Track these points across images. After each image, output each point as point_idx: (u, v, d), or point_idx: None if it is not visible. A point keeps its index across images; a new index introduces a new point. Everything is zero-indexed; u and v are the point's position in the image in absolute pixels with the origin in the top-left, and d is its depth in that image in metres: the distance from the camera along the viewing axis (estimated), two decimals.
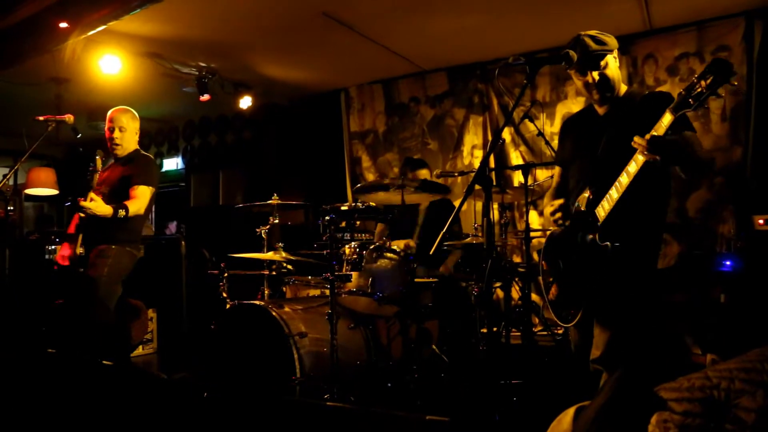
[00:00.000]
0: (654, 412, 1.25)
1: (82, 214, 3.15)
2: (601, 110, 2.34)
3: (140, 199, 3.35)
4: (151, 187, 3.43)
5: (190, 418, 1.64)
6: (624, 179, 2.05)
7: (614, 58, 2.27)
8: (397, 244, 3.65)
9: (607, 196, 2.10)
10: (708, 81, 1.79)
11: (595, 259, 2.14)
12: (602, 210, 2.12)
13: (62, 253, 3.46)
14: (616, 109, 2.28)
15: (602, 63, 2.22)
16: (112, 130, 3.53)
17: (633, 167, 2.01)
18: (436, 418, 1.16)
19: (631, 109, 2.21)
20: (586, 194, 2.20)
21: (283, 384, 2.74)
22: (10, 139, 6.47)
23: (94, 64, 4.90)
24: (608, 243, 2.09)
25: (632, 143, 1.95)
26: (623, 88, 2.33)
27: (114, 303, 3.40)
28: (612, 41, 2.24)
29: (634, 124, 2.04)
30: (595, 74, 2.21)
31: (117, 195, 3.31)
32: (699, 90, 1.82)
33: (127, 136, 3.54)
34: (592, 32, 2.25)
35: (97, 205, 3.12)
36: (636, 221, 2.12)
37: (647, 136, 1.92)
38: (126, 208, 3.24)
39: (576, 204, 2.26)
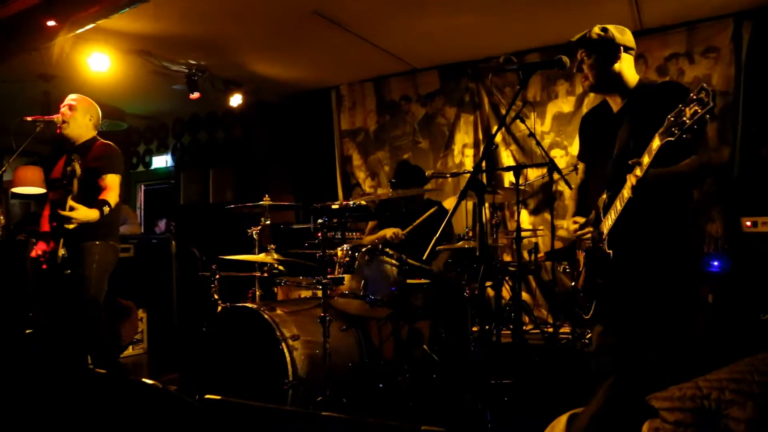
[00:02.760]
0: (645, 420, 1.27)
1: (70, 226, 3.08)
2: (615, 105, 2.28)
3: (113, 189, 3.30)
4: (118, 175, 3.38)
5: (181, 424, 1.64)
6: (618, 205, 2.05)
7: (620, 50, 2.19)
8: (385, 232, 3.66)
9: (611, 209, 2.11)
10: (692, 109, 1.72)
11: (601, 263, 2.16)
12: (609, 220, 2.12)
13: (38, 251, 3.40)
14: (628, 105, 2.22)
15: (579, 52, 2.20)
16: (63, 109, 3.48)
17: (626, 194, 2.01)
18: (432, 429, 1.17)
19: (643, 105, 2.12)
20: (604, 196, 2.20)
21: (275, 387, 2.74)
22: None
23: (83, 61, 4.85)
24: (610, 251, 2.10)
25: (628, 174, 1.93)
26: (634, 80, 2.23)
27: (102, 299, 3.37)
28: (620, 36, 2.19)
29: (646, 122, 1.96)
30: (584, 65, 2.21)
31: (86, 188, 3.23)
32: (683, 119, 1.74)
33: (78, 117, 3.44)
34: (606, 25, 2.22)
35: (80, 212, 3.07)
36: (642, 232, 2.09)
37: (633, 178, 1.91)
38: (108, 204, 3.21)
39: (596, 205, 2.25)
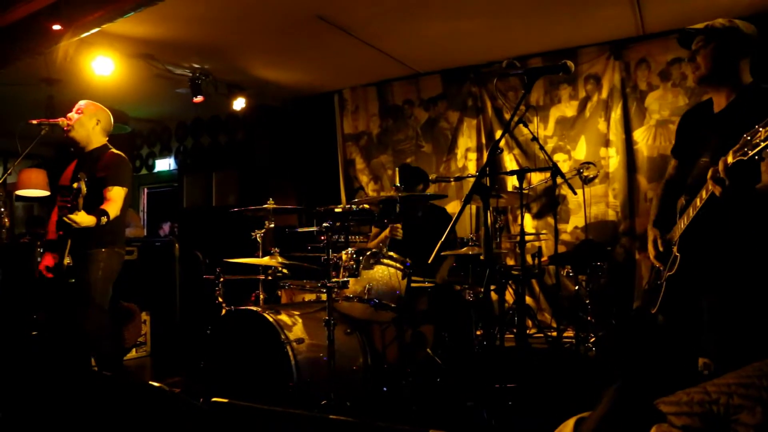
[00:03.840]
0: (653, 424, 1.27)
1: (70, 222, 3.09)
2: (718, 105, 2.12)
3: (115, 201, 3.30)
4: (124, 188, 3.37)
5: (187, 427, 1.64)
6: (692, 211, 1.97)
7: (738, 46, 2.05)
8: (384, 233, 3.66)
9: (685, 214, 2.04)
10: (766, 132, 1.57)
11: (672, 261, 2.13)
12: (681, 224, 2.06)
13: (45, 263, 3.39)
14: (731, 108, 2.05)
15: (696, 40, 2.08)
16: (71, 113, 3.48)
17: (704, 194, 1.90)
18: None
19: (746, 110, 1.94)
20: (682, 200, 2.12)
21: (279, 390, 2.74)
22: (0, 140, 6.40)
23: (87, 65, 4.87)
24: (678, 254, 2.07)
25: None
26: (746, 81, 2.07)
27: (107, 305, 3.38)
28: (744, 27, 2.07)
29: (744, 129, 1.70)
30: (698, 54, 2.08)
31: (90, 197, 3.24)
32: (757, 141, 1.60)
33: (84, 120, 3.43)
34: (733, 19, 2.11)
35: (82, 218, 3.07)
36: (712, 241, 2.00)
37: (720, 164, 1.72)
38: (107, 214, 3.19)
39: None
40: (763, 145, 1.57)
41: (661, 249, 2.18)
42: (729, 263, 1.98)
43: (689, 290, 2.07)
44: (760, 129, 1.58)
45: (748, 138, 1.63)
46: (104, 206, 3.23)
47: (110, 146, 3.54)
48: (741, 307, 1.96)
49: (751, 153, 1.60)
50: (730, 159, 1.68)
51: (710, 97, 2.17)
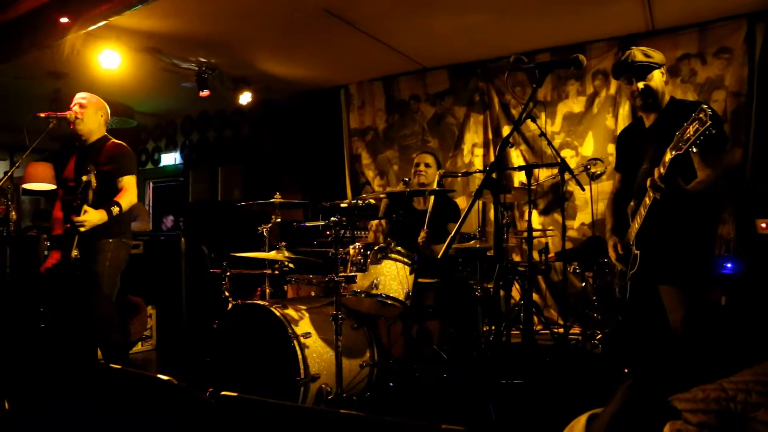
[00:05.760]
0: (667, 421, 1.25)
1: (81, 229, 3.11)
2: (647, 122, 2.54)
3: (130, 190, 3.36)
4: (134, 176, 3.44)
5: (196, 420, 1.63)
6: (642, 211, 2.34)
7: (661, 73, 2.46)
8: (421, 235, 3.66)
9: (637, 215, 2.39)
10: (694, 127, 1.94)
11: (633, 260, 2.45)
12: (635, 224, 2.42)
13: (49, 262, 3.37)
14: (659, 121, 2.47)
15: (648, 75, 2.42)
16: (74, 107, 3.49)
17: (647, 201, 2.28)
18: (452, 427, 1.16)
19: (672, 121, 2.28)
20: (632, 204, 2.49)
21: (285, 384, 2.73)
22: (7, 133, 6.42)
23: (94, 58, 4.86)
24: (638, 252, 2.40)
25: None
26: (667, 98, 2.49)
27: (115, 296, 3.39)
28: (659, 56, 2.47)
29: (672, 134, 2.12)
30: (640, 84, 2.42)
31: (100, 190, 3.24)
32: (687, 136, 1.97)
33: (89, 114, 3.47)
34: (642, 47, 2.49)
35: (91, 216, 3.10)
36: (663, 235, 2.35)
37: (656, 174, 2.13)
38: (118, 205, 3.24)
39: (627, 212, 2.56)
40: (693, 138, 1.93)
41: (621, 252, 2.53)
42: (678, 253, 2.34)
43: (650, 282, 2.40)
44: (688, 126, 1.96)
45: (680, 135, 2.00)
46: (119, 197, 3.29)
47: (110, 137, 3.57)
48: (692, 292, 2.32)
49: (684, 147, 1.97)
50: (667, 157, 2.06)
51: (641, 116, 2.60)
